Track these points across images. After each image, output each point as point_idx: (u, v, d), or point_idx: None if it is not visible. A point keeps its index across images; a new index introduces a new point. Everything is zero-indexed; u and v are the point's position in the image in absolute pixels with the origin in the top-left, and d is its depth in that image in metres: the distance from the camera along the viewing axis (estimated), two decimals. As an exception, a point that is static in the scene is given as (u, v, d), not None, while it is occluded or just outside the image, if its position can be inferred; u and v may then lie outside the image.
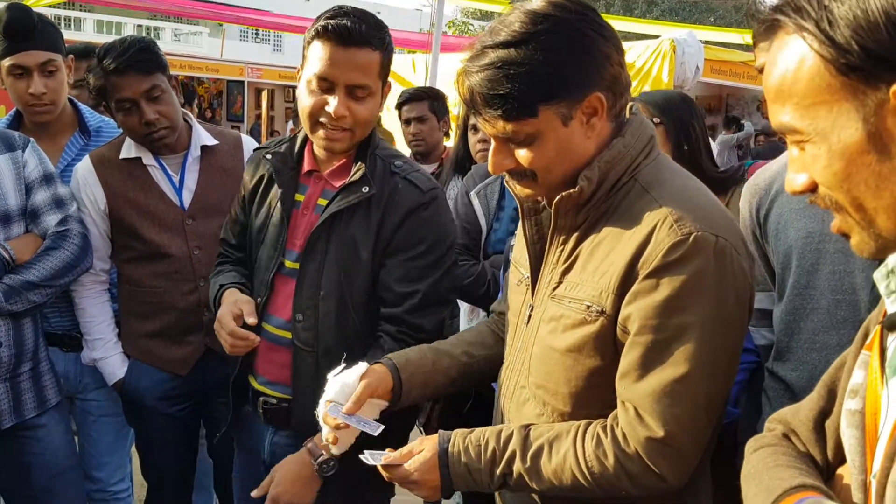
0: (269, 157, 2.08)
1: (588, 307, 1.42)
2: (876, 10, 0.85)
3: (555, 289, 1.50)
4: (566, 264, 1.48)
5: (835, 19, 0.87)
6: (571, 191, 1.42)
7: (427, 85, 6.50)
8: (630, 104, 1.50)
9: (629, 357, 1.38)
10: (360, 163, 1.98)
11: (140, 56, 2.41)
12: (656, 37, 8.97)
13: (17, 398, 2.38)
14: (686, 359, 1.34)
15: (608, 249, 1.42)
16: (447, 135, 4.38)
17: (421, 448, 1.54)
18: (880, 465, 0.91)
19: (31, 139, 2.48)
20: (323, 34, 1.86)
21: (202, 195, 2.58)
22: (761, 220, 1.95)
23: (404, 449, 1.57)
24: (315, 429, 1.85)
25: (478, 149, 3.35)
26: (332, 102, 1.88)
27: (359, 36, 1.85)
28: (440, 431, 1.55)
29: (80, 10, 31.92)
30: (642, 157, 1.46)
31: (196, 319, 2.57)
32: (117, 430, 2.79)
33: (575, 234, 1.48)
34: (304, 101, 1.93)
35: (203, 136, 2.63)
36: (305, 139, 2.08)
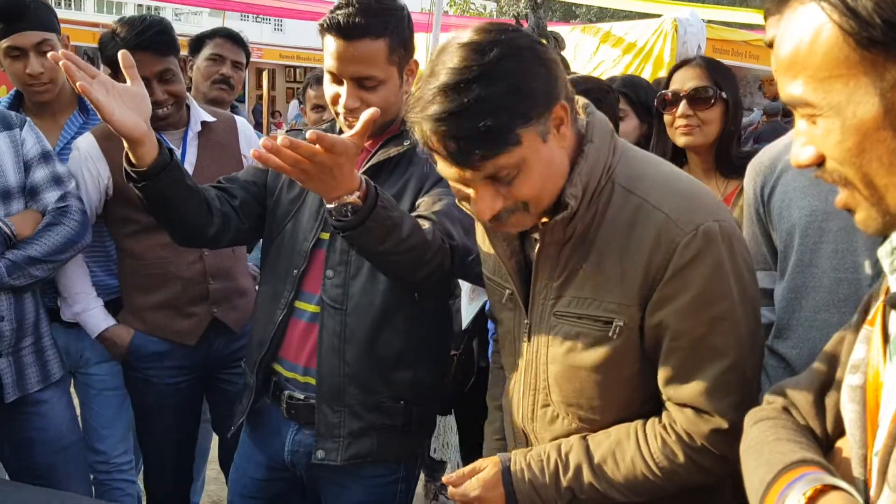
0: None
1: (606, 322, 1.41)
2: None
3: (554, 304, 1.48)
4: (561, 278, 1.46)
5: None
6: (564, 214, 1.39)
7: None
8: (584, 103, 1.48)
9: (671, 362, 1.39)
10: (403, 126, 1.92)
11: (159, 38, 2.48)
12: (658, 16, 8.92)
13: (21, 372, 2.40)
14: (727, 347, 1.36)
15: (613, 260, 1.40)
16: None
17: (483, 467, 1.57)
18: (883, 442, 0.91)
19: (28, 118, 2.51)
20: (326, 28, 1.84)
21: (203, 168, 2.61)
22: (765, 199, 1.94)
23: (465, 469, 1.59)
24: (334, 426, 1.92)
25: None
26: (343, 95, 1.87)
27: (355, 29, 1.80)
28: (499, 454, 1.58)
29: (80, -10, 31.75)
30: (611, 155, 1.44)
31: (201, 289, 2.62)
32: (119, 403, 2.81)
33: (564, 248, 1.46)
34: (326, 91, 1.94)
35: (202, 114, 2.72)
36: None
